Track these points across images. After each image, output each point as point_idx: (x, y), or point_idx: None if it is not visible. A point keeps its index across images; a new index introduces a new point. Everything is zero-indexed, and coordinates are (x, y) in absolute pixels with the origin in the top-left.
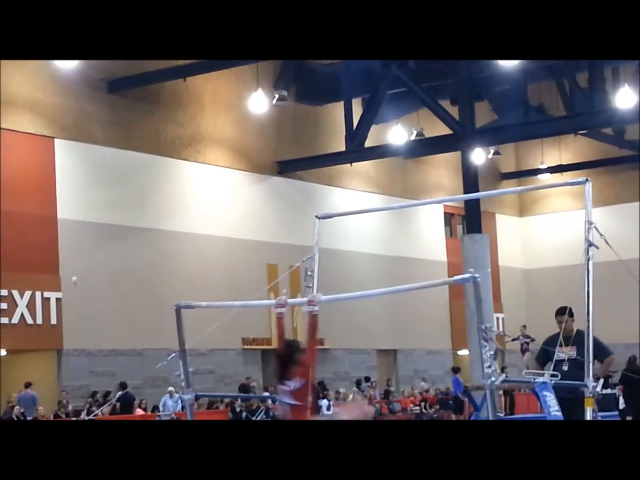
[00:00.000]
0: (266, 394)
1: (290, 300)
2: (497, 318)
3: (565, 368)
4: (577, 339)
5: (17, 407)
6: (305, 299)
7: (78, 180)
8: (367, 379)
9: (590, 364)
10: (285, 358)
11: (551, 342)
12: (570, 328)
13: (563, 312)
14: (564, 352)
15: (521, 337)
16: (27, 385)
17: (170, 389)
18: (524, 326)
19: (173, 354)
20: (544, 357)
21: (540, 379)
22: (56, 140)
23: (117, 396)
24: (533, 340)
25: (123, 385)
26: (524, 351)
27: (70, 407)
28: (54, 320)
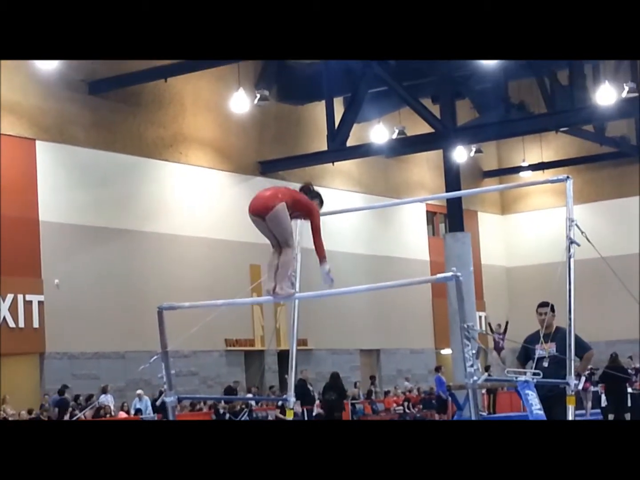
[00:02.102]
0: (249, 395)
1: None
2: (480, 316)
3: (545, 365)
4: (556, 336)
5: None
6: None
7: (60, 182)
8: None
9: (572, 362)
10: None
11: (531, 340)
12: (551, 323)
13: (545, 305)
14: (544, 349)
15: (495, 335)
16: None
17: (139, 391)
18: (499, 325)
19: (155, 356)
20: (525, 355)
21: (522, 378)
22: (37, 142)
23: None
24: (504, 335)
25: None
26: (499, 349)
27: (52, 411)
28: (36, 324)
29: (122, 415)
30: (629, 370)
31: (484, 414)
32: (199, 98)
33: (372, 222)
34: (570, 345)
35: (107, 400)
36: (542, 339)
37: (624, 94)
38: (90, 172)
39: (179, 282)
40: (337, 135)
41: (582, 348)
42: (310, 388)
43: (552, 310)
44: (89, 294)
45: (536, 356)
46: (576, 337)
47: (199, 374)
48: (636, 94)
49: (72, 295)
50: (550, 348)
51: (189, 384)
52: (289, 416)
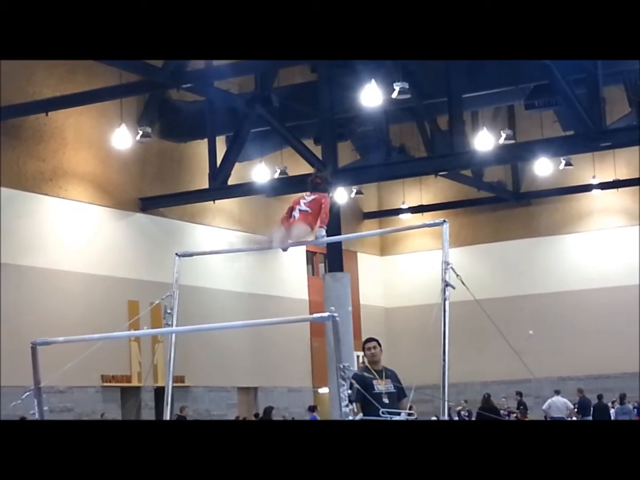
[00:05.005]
0: None
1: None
2: (358, 356)
3: (386, 401)
4: (387, 374)
5: None
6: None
7: None
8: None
9: (447, 403)
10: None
11: (362, 377)
12: (379, 359)
13: (373, 340)
14: (380, 385)
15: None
16: None
17: None
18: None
19: (27, 392)
20: (362, 394)
21: (396, 418)
22: None
23: None
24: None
25: None
26: None
27: None
28: None
29: None
30: (502, 411)
31: None
32: (80, 133)
33: (251, 261)
34: (444, 386)
35: None
36: (375, 374)
37: (501, 141)
38: None
39: (55, 317)
40: (219, 174)
41: (404, 393)
42: None
43: (380, 345)
44: None
45: (374, 391)
46: (401, 383)
47: (73, 410)
48: (512, 141)
49: None
50: (387, 385)
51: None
52: None
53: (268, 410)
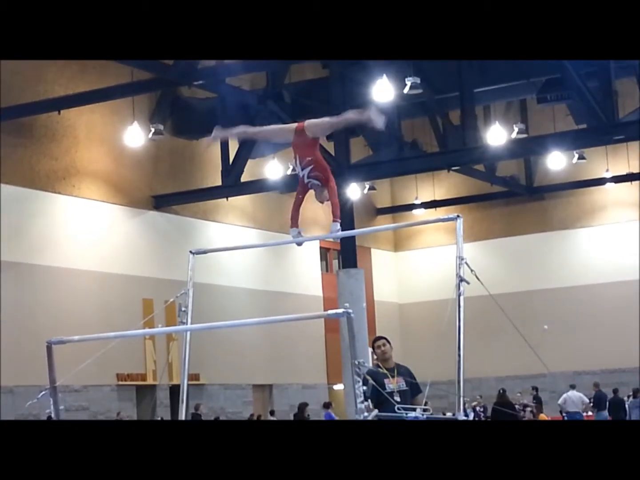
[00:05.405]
0: None
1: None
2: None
3: (398, 399)
4: (400, 371)
5: None
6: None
7: None
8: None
9: (462, 399)
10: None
11: (375, 374)
12: (390, 356)
13: (382, 338)
14: (392, 384)
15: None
16: None
17: None
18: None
19: (43, 392)
20: (377, 392)
21: (412, 414)
22: None
23: None
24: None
25: None
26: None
27: None
28: None
29: None
30: (517, 406)
31: None
32: (92, 131)
33: (265, 258)
34: (459, 382)
35: None
36: (388, 373)
37: (514, 135)
38: None
39: (69, 316)
40: (232, 171)
41: (419, 388)
42: None
43: (389, 342)
44: None
45: (386, 391)
46: (415, 379)
47: (89, 408)
48: (525, 135)
49: None
50: (399, 383)
51: (79, 418)
52: None
53: (302, 406)
